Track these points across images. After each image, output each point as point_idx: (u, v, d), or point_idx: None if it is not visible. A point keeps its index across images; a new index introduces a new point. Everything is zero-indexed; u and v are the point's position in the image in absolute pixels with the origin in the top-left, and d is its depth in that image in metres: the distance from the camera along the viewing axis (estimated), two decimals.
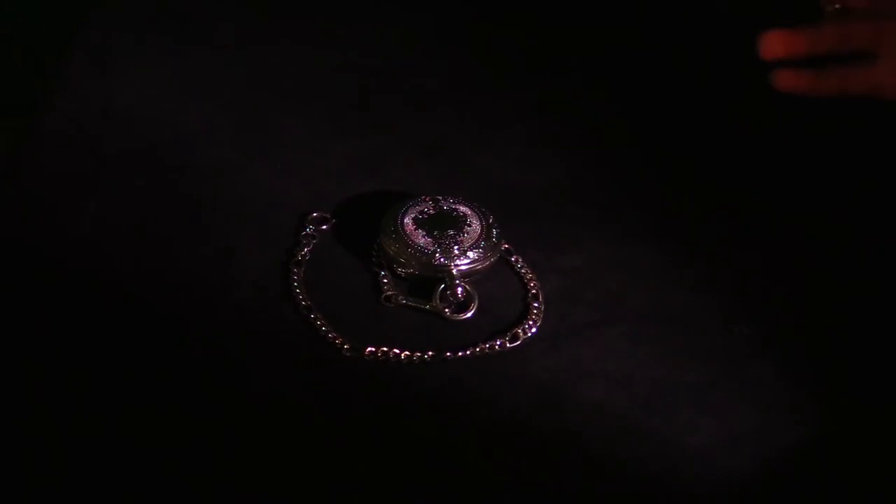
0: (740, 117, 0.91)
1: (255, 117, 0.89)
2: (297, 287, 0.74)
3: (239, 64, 0.94)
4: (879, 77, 0.81)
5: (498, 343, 0.72)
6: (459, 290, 0.73)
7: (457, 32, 1.00)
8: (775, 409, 0.69)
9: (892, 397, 0.70)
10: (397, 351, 0.70)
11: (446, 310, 0.73)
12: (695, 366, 0.71)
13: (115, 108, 0.88)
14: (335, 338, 0.71)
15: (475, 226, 0.76)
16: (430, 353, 0.71)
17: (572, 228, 0.80)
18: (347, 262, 0.77)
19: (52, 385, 0.67)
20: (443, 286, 0.73)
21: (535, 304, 0.74)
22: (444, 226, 0.75)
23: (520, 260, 0.77)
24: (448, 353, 0.71)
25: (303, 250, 0.77)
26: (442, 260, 0.74)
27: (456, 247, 0.74)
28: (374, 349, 0.70)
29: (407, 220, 0.75)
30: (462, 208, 0.77)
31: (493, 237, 0.75)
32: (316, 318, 0.72)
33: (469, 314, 0.73)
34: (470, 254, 0.74)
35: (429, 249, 0.74)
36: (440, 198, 0.77)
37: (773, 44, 0.82)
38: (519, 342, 0.72)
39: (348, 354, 0.70)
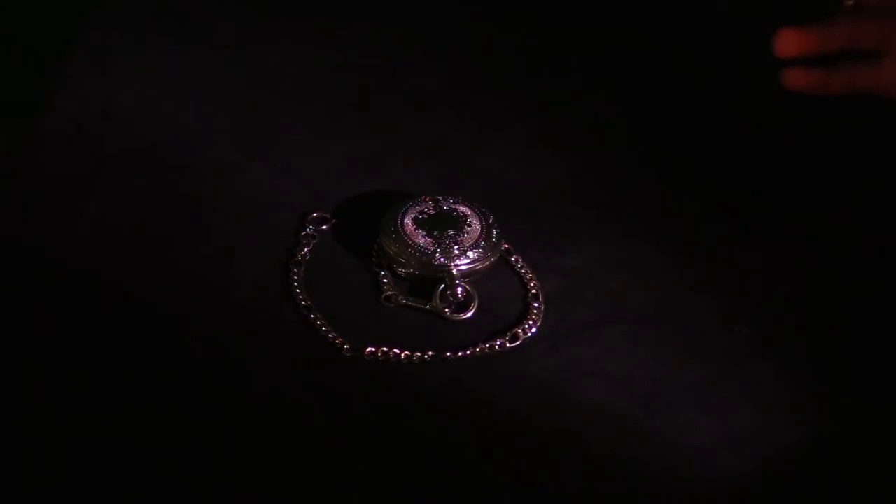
0: (740, 117, 0.91)
1: (255, 117, 0.89)
2: (297, 287, 0.74)
3: (239, 64, 0.94)
4: (887, 76, 0.81)
5: (498, 343, 0.72)
6: (459, 290, 0.73)
7: (457, 32, 1.00)
8: (776, 409, 0.69)
9: (893, 397, 0.70)
10: (397, 351, 0.70)
11: (446, 310, 0.73)
12: (695, 366, 0.71)
13: (115, 108, 0.88)
14: (335, 338, 0.71)
15: (475, 226, 0.76)
16: (430, 353, 0.71)
17: (572, 228, 0.80)
18: (347, 262, 0.77)
19: (52, 385, 0.67)
20: (443, 286, 0.73)
21: (535, 304, 0.74)
22: (444, 226, 0.75)
23: (520, 260, 0.77)
24: (448, 353, 0.71)
25: (303, 250, 0.77)
26: (442, 260, 0.74)
27: (456, 247, 0.74)
28: (374, 349, 0.70)
29: (407, 220, 0.75)
30: (462, 208, 0.76)
31: (493, 237, 0.75)
32: (316, 318, 0.72)
33: (469, 314, 0.73)
34: (470, 254, 0.74)
35: (429, 249, 0.74)
36: (440, 198, 0.77)
37: (788, 42, 0.82)
38: (519, 342, 0.72)
39: (348, 354, 0.70)
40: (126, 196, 0.80)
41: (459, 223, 0.76)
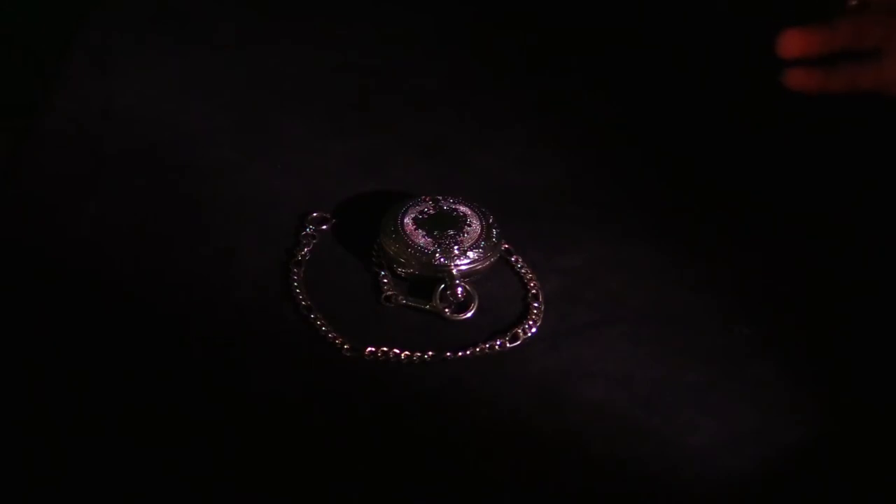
0: (740, 117, 0.91)
1: (255, 117, 0.89)
2: (297, 287, 0.74)
3: (239, 64, 0.94)
4: (889, 74, 0.81)
5: (498, 343, 0.72)
6: (459, 290, 0.73)
7: (457, 32, 1.00)
8: (776, 409, 0.69)
9: (893, 397, 0.70)
10: (397, 351, 0.70)
11: (446, 310, 0.73)
12: (695, 366, 0.71)
13: (115, 108, 0.88)
14: (335, 338, 0.71)
15: (475, 226, 0.76)
16: (430, 353, 0.71)
17: (572, 228, 0.80)
18: (347, 262, 0.77)
19: (52, 385, 0.67)
20: (443, 286, 0.73)
21: (535, 304, 0.74)
22: (444, 226, 0.75)
23: (520, 260, 0.77)
24: (448, 353, 0.71)
25: (303, 250, 0.77)
26: (442, 260, 0.74)
27: (456, 247, 0.74)
28: (374, 349, 0.70)
29: (407, 220, 0.75)
30: (462, 208, 0.76)
31: (493, 237, 0.75)
32: (316, 318, 0.72)
33: (469, 314, 0.73)
34: (470, 254, 0.74)
35: (429, 249, 0.74)
36: (440, 198, 0.77)
37: (792, 43, 0.82)
38: (519, 342, 0.72)
39: (348, 354, 0.70)
40: (126, 196, 0.80)
41: (459, 223, 0.76)
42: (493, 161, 0.86)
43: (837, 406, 0.70)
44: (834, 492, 0.66)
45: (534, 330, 0.73)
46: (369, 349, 0.70)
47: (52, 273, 0.74)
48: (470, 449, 0.67)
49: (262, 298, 0.74)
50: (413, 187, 0.80)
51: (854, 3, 0.83)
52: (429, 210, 0.76)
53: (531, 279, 0.76)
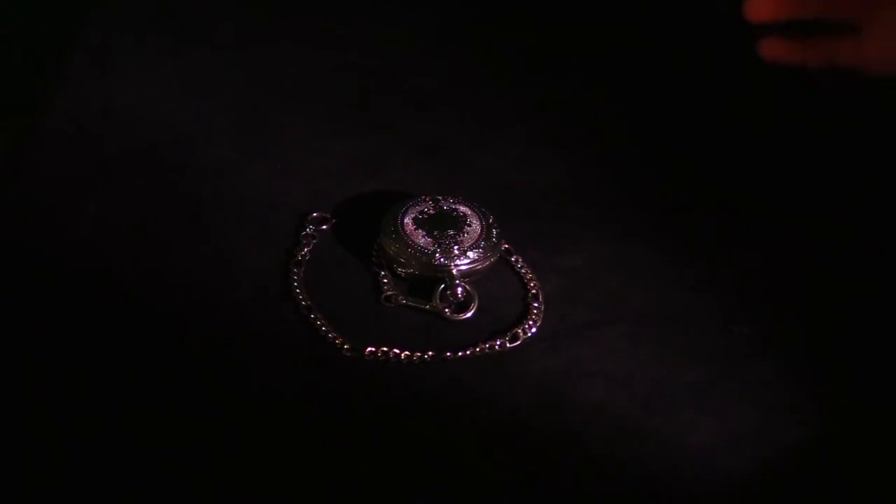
0: (740, 117, 0.91)
1: (255, 117, 0.89)
2: (297, 287, 0.74)
3: (239, 64, 0.94)
4: (866, 50, 0.78)
5: (498, 343, 0.72)
6: (459, 290, 0.73)
7: (457, 32, 1.00)
8: (776, 409, 0.69)
9: (893, 397, 0.70)
10: (397, 351, 0.70)
11: (446, 310, 0.73)
12: (695, 366, 0.71)
13: (115, 108, 0.88)
14: (335, 338, 0.71)
15: (475, 226, 0.76)
16: (430, 353, 0.71)
17: (572, 228, 0.80)
18: (347, 262, 0.77)
19: (52, 385, 0.67)
20: (443, 286, 0.73)
21: (535, 304, 0.74)
22: (444, 226, 0.75)
23: (520, 260, 0.77)
24: (448, 353, 0.71)
25: (303, 250, 0.77)
26: (442, 260, 0.74)
27: (456, 247, 0.74)
28: (374, 349, 0.70)
29: (407, 220, 0.75)
30: (462, 208, 0.76)
31: (493, 237, 0.75)
32: (316, 318, 0.72)
33: (469, 314, 0.73)
34: (470, 254, 0.74)
35: (429, 249, 0.74)
36: (440, 198, 0.77)
37: (760, 5, 0.81)
38: (519, 342, 0.72)
39: (348, 354, 0.70)
40: (126, 196, 0.80)
41: (459, 223, 0.76)
42: (493, 161, 0.86)
43: (837, 406, 0.70)
44: (834, 492, 0.66)
45: (534, 330, 0.73)
46: (369, 349, 0.70)
47: (52, 273, 0.74)
48: (470, 449, 0.67)
49: (262, 298, 0.74)
50: (413, 187, 0.80)
51: None
52: (429, 210, 0.76)
53: (531, 279, 0.76)
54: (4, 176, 0.82)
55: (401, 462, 0.65)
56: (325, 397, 0.69)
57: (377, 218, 0.76)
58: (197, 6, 0.99)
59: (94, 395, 0.67)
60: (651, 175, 0.86)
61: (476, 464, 0.66)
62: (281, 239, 0.78)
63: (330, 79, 0.93)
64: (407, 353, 0.70)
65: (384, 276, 0.75)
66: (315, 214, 0.79)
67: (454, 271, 0.73)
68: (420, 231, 0.75)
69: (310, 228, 0.78)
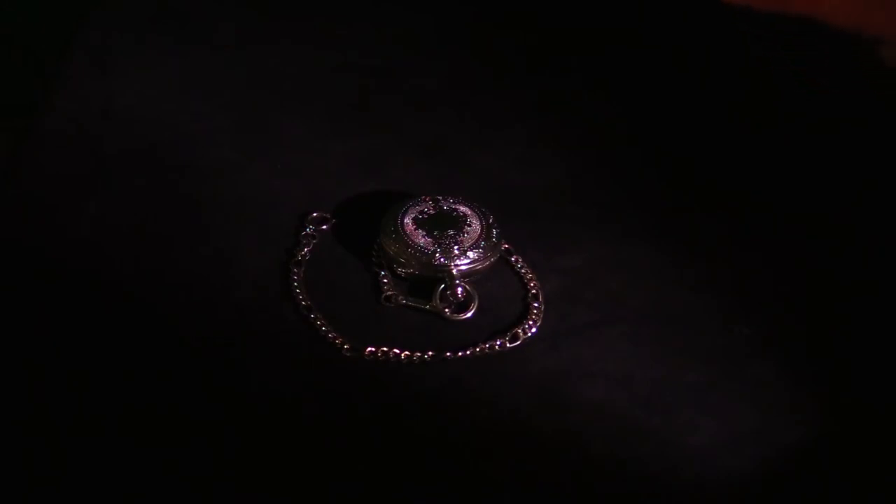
0: (740, 117, 0.91)
1: (255, 117, 0.89)
2: (297, 287, 0.74)
3: (239, 64, 0.94)
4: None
5: (498, 343, 0.72)
6: (459, 290, 0.73)
7: (457, 32, 1.00)
8: (776, 409, 0.69)
9: (893, 397, 0.70)
10: (397, 351, 0.70)
11: (446, 310, 0.73)
12: (695, 366, 0.71)
13: (115, 108, 0.88)
14: (335, 338, 0.71)
15: (475, 226, 0.76)
16: (430, 353, 0.71)
17: (572, 228, 0.80)
18: (347, 262, 0.77)
19: (52, 385, 0.67)
20: (443, 286, 0.73)
21: (535, 304, 0.74)
22: (444, 226, 0.75)
23: (520, 260, 0.77)
24: (448, 353, 0.71)
25: (303, 250, 0.77)
26: (442, 260, 0.74)
27: (456, 247, 0.74)
28: (374, 349, 0.70)
29: (407, 220, 0.75)
30: (462, 208, 0.76)
31: (493, 237, 0.75)
32: (316, 318, 0.72)
33: (469, 314, 0.73)
34: (470, 254, 0.74)
35: (429, 249, 0.74)
36: (440, 198, 0.77)
37: None
38: (519, 342, 0.72)
39: (348, 354, 0.70)
40: (126, 196, 0.80)
41: (459, 223, 0.76)
42: (493, 161, 0.86)
43: (837, 406, 0.70)
44: (834, 492, 0.66)
45: (534, 330, 0.73)
46: (369, 349, 0.70)
47: (52, 273, 0.74)
48: (470, 449, 0.67)
49: (262, 298, 0.74)
50: (413, 187, 0.80)
51: None
52: (429, 210, 0.76)
53: (531, 279, 0.76)
54: (4, 176, 0.82)
55: (401, 462, 0.65)
56: (325, 397, 0.69)
57: (377, 218, 0.76)
58: (197, 6, 0.99)
59: (94, 395, 0.67)
60: (651, 175, 0.86)
61: (476, 464, 0.66)
62: (281, 239, 0.78)
63: (330, 79, 0.93)
64: (407, 353, 0.70)
65: (384, 276, 0.75)
66: (315, 214, 0.79)
67: (454, 271, 0.74)
68: (420, 231, 0.75)
69: (310, 228, 0.78)
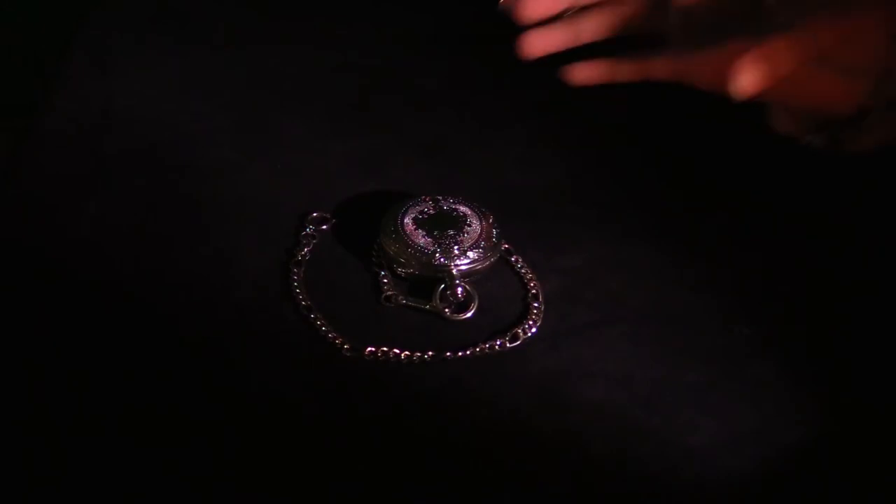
0: (740, 117, 0.91)
1: (255, 117, 0.89)
2: (297, 287, 0.74)
3: (239, 64, 0.94)
4: (676, 62, 0.77)
5: (498, 343, 0.72)
6: (459, 290, 0.73)
7: (457, 32, 1.00)
8: (776, 409, 0.69)
9: (893, 397, 0.70)
10: (397, 351, 0.70)
11: (446, 310, 0.73)
12: (695, 366, 0.71)
13: (115, 108, 0.88)
14: (335, 338, 0.71)
15: (475, 226, 0.76)
16: (430, 353, 0.71)
17: (572, 228, 0.80)
18: (347, 262, 0.77)
19: (52, 385, 0.67)
20: (443, 286, 0.73)
21: (535, 304, 0.74)
22: (444, 226, 0.75)
23: (520, 260, 0.77)
24: (448, 353, 0.71)
25: (303, 250, 0.77)
26: (442, 260, 0.74)
27: (456, 247, 0.74)
28: (374, 349, 0.70)
29: (407, 220, 0.75)
30: (462, 208, 0.76)
31: (493, 237, 0.75)
32: (316, 318, 0.72)
33: (469, 314, 0.73)
34: (470, 254, 0.74)
35: (429, 249, 0.74)
36: (440, 198, 0.77)
37: (534, 43, 0.81)
38: (519, 342, 0.72)
39: (348, 354, 0.70)
40: (126, 196, 0.80)
41: (459, 223, 0.76)
42: (493, 161, 0.86)
43: (837, 406, 0.70)
44: (834, 492, 0.66)
45: (534, 330, 0.73)
46: (369, 349, 0.70)
47: (52, 273, 0.74)
48: (470, 449, 0.67)
49: (262, 298, 0.74)
50: (413, 187, 0.80)
51: None
52: (429, 210, 0.76)
53: (531, 279, 0.76)
54: (4, 176, 0.82)
55: (401, 462, 0.65)
56: (325, 397, 0.69)
57: (377, 218, 0.76)
58: (197, 6, 0.99)
59: (94, 395, 0.67)
60: (651, 175, 0.86)
61: (476, 464, 0.66)
62: (281, 239, 0.78)
63: (330, 79, 0.93)
64: (407, 353, 0.70)
65: (384, 276, 0.75)
66: (315, 214, 0.79)
67: (454, 271, 0.73)
68: (420, 231, 0.75)
69: (310, 228, 0.78)
